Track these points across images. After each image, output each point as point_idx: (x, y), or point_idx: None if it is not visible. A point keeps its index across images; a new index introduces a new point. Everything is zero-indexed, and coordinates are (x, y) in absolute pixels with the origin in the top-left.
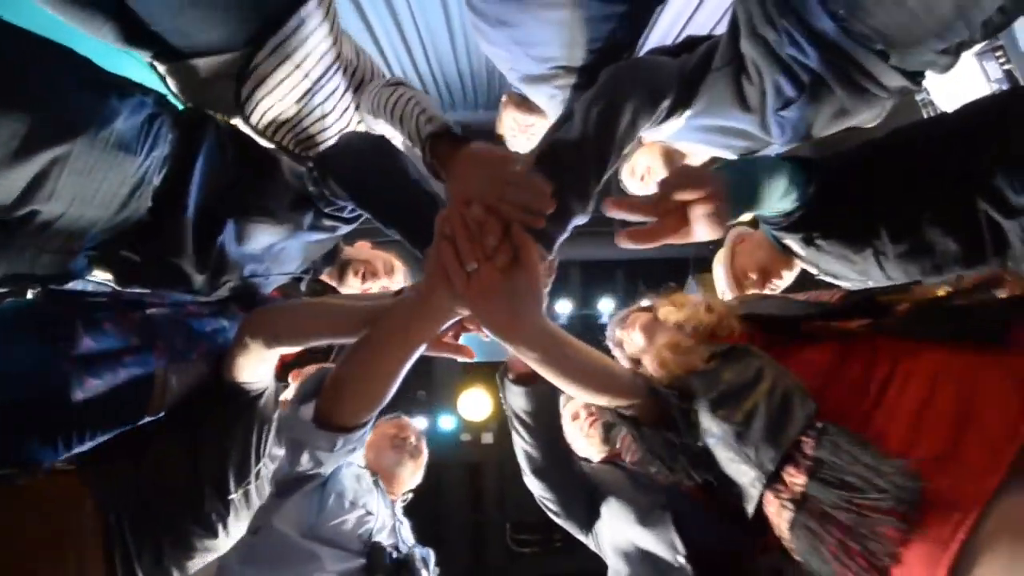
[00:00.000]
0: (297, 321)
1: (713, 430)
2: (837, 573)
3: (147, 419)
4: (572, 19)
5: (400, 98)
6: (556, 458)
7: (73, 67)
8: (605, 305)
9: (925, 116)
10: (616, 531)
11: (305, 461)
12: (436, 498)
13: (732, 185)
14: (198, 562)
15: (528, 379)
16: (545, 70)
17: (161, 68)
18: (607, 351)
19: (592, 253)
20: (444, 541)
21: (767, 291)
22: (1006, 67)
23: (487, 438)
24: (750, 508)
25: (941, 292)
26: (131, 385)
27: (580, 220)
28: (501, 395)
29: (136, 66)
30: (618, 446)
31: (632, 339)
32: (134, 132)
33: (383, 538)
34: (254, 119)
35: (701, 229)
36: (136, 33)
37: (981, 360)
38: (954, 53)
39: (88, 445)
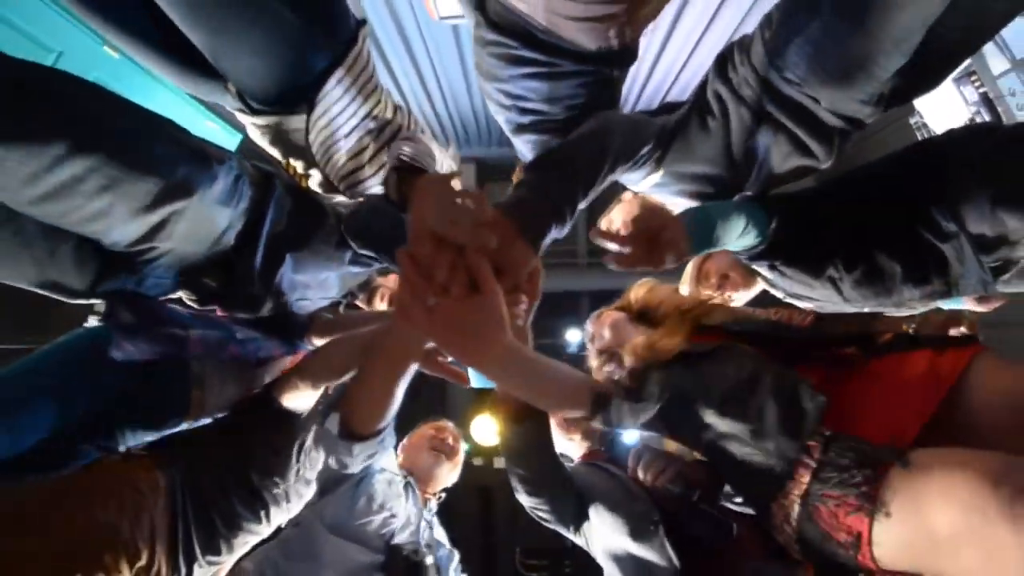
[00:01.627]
0: (333, 362)
1: (721, 428)
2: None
3: (191, 417)
4: (549, 76)
5: (393, 148)
6: (549, 478)
7: (187, 138)
8: (572, 336)
9: (919, 138)
10: (609, 539)
11: (333, 464)
12: (447, 521)
13: (690, 226)
14: (241, 541)
15: (521, 416)
16: (529, 120)
17: (259, 121)
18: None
19: (559, 284)
20: None
21: (720, 299)
22: (981, 90)
23: (499, 463)
24: (774, 490)
25: (905, 327)
26: (172, 382)
27: (557, 234)
28: (496, 419)
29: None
30: (600, 447)
31: (602, 334)
32: (228, 190)
33: (404, 538)
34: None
35: (667, 258)
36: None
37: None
38: (874, 105)
39: (143, 437)
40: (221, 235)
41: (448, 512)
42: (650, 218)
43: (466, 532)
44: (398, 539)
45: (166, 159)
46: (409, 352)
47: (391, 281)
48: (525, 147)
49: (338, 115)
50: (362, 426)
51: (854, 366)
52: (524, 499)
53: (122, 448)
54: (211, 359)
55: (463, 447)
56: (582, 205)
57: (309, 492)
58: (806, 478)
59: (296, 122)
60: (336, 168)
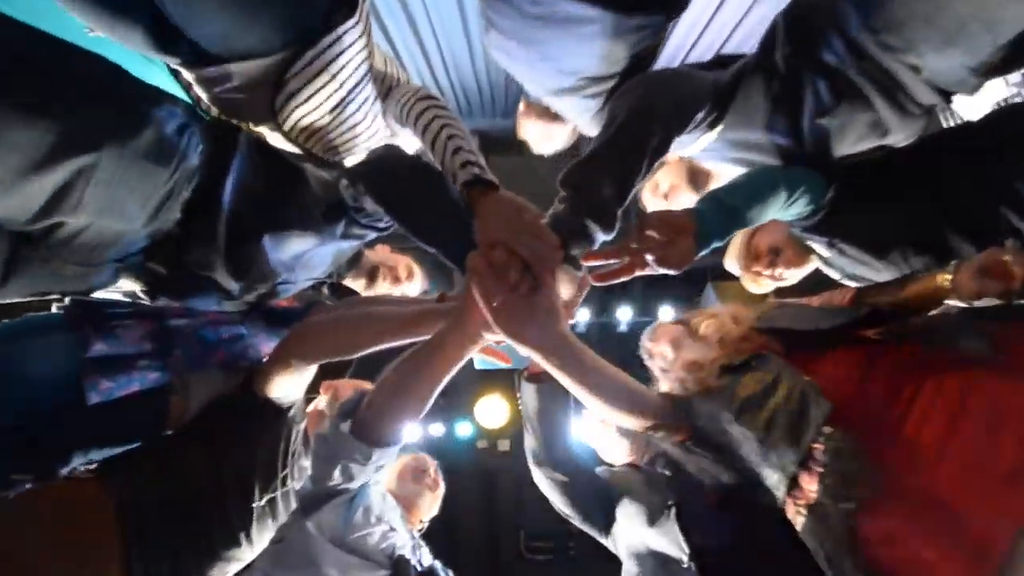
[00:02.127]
0: (347, 334)
1: (737, 436)
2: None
3: (171, 427)
4: (602, 33)
5: (432, 122)
6: (565, 457)
7: (102, 75)
8: (623, 314)
9: (943, 123)
10: (630, 533)
11: (337, 475)
12: (451, 504)
13: (701, 220)
14: (218, 572)
15: (541, 378)
16: (573, 82)
17: (189, 76)
18: (629, 359)
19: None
20: (458, 547)
21: (769, 278)
22: None
23: (503, 445)
24: (779, 503)
25: (939, 279)
26: (147, 396)
27: (604, 237)
28: (518, 397)
29: (163, 75)
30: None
31: (662, 351)
32: (163, 143)
33: (406, 554)
34: (287, 127)
35: (668, 265)
36: (168, 40)
37: (1003, 383)
38: (983, 74)
39: (108, 453)
40: (159, 207)
41: (452, 495)
42: (655, 224)
43: (470, 515)
44: (401, 553)
45: (65, 98)
46: (471, 340)
47: (387, 258)
48: (564, 108)
49: (346, 60)
50: (387, 430)
51: (892, 349)
52: (545, 487)
53: (66, 470)
54: (194, 371)
55: (442, 480)
56: (635, 190)
57: (292, 506)
58: (813, 485)
59: (263, 67)
60: (333, 128)
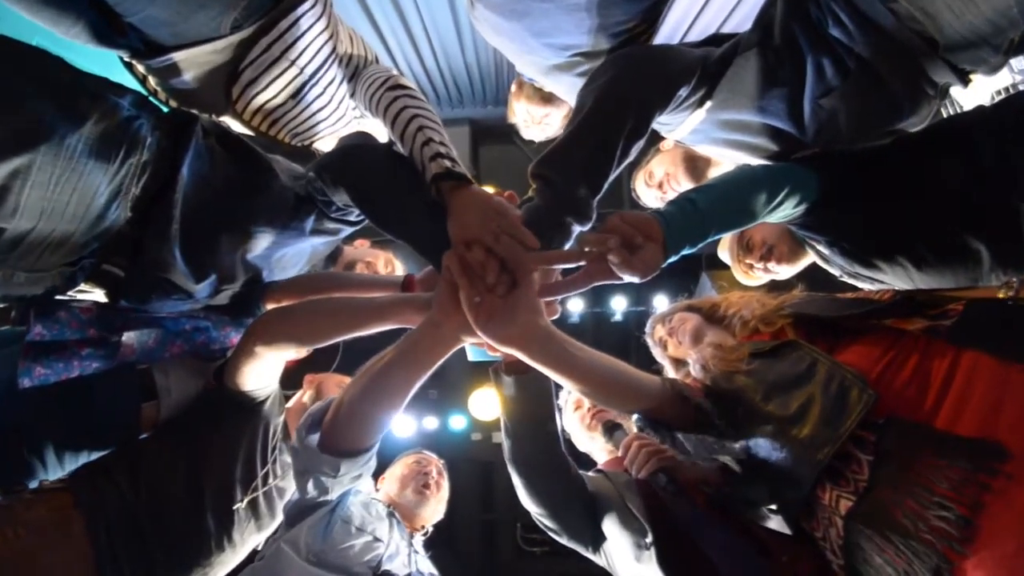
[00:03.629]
0: (314, 322)
1: (759, 419)
2: (889, 565)
3: (142, 432)
4: (592, 4)
5: (402, 113)
6: (548, 461)
7: (34, 68)
8: (617, 303)
9: (945, 114)
10: (625, 562)
11: (311, 488)
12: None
13: (667, 225)
14: None
15: (519, 370)
16: (566, 58)
17: (141, 68)
18: (625, 348)
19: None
20: (454, 540)
21: (761, 271)
22: None
23: (498, 438)
24: (804, 491)
25: (1001, 294)
26: (119, 395)
27: (582, 228)
28: (497, 392)
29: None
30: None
31: (681, 340)
32: (106, 138)
33: (395, 566)
34: (246, 116)
35: (631, 271)
36: (111, 29)
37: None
38: (1005, 52)
39: (84, 459)
40: (107, 206)
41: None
42: (621, 228)
43: (466, 508)
44: (388, 567)
45: None
46: (445, 343)
47: (366, 253)
48: (556, 86)
49: (306, 44)
50: (355, 439)
51: (927, 345)
52: (526, 500)
53: (34, 482)
54: (150, 361)
55: (446, 482)
56: (611, 178)
57: (277, 508)
58: (863, 474)
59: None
60: (296, 114)
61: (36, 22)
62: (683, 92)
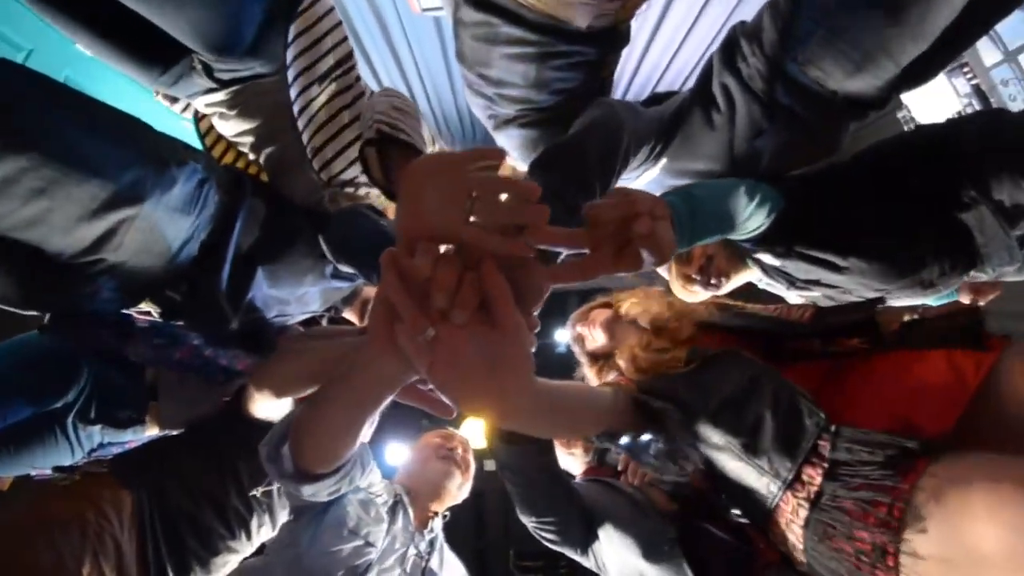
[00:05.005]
0: (291, 372)
1: (714, 440)
2: (846, 568)
3: (149, 424)
4: (537, 57)
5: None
6: (549, 492)
7: (141, 137)
8: (561, 336)
9: (903, 126)
10: (623, 561)
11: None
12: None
13: (675, 212)
14: (221, 562)
15: (519, 437)
16: (514, 111)
17: (209, 99)
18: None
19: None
20: None
21: (700, 286)
22: (973, 82)
23: (490, 465)
24: (767, 507)
25: (906, 318)
26: (125, 378)
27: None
28: (489, 447)
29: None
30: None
31: (593, 336)
32: (188, 196)
33: (388, 566)
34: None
35: (643, 255)
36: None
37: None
38: (888, 92)
39: (98, 439)
40: (181, 248)
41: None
42: (622, 200)
43: (458, 535)
44: (375, 573)
45: (113, 160)
46: (384, 384)
47: None
48: (509, 144)
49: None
50: (315, 463)
51: (859, 359)
52: (527, 519)
53: (79, 456)
54: (156, 362)
55: (472, 459)
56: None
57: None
58: (817, 479)
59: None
60: (310, 137)
61: (128, 73)
62: (647, 147)
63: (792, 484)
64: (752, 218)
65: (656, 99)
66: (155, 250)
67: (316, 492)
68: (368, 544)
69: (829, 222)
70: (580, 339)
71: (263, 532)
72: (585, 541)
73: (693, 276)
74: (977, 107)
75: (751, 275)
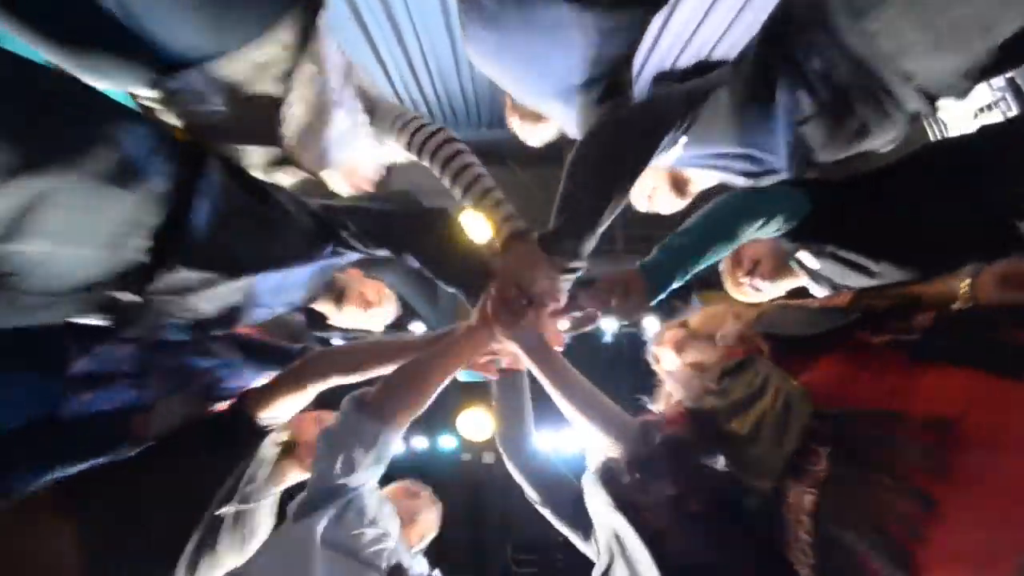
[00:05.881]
0: (360, 360)
1: (724, 435)
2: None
3: (129, 447)
4: (578, 36)
5: (465, 171)
6: (535, 463)
7: (67, 93)
8: (608, 324)
9: (929, 131)
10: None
11: (338, 467)
12: None
13: (648, 275)
14: None
15: (507, 373)
16: (557, 90)
17: (152, 94)
18: (616, 369)
19: (596, 271)
20: (445, 561)
21: (748, 287)
22: (1008, 74)
23: (488, 458)
24: (764, 506)
25: (961, 286)
26: (111, 414)
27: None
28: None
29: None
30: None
31: (665, 356)
32: (125, 165)
33: (403, 562)
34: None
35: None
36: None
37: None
38: (974, 78)
39: (73, 471)
40: (125, 232)
41: None
42: (596, 294)
43: (455, 528)
44: (399, 560)
45: (24, 119)
46: (477, 347)
47: (358, 282)
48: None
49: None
50: (396, 412)
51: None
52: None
53: (17, 491)
54: (172, 394)
55: (438, 500)
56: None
57: (261, 520)
58: (821, 465)
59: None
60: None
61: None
62: (671, 135)
63: (795, 475)
64: (764, 228)
65: (702, 68)
66: (88, 234)
67: (384, 442)
68: (386, 534)
69: (864, 224)
70: (656, 359)
71: (242, 547)
72: (587, 531)
73: (741, 279)
74: (1011, 100)
75: (799, 280)
